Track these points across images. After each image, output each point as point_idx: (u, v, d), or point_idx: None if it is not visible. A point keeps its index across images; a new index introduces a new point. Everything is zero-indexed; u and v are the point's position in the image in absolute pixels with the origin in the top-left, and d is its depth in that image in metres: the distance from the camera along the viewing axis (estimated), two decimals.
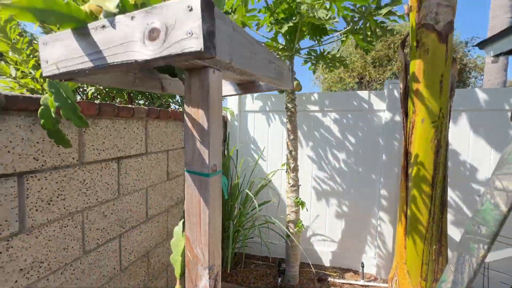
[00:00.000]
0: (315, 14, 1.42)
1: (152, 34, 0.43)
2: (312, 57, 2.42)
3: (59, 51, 0.52)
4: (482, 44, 2.64)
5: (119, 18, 0.45)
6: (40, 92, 1.73)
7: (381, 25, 1.85)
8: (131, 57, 0.45)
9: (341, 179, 2.54)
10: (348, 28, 2.06)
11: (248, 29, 2.33)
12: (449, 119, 1.61)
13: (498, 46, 2.66)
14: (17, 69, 1.76)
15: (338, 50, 2.49)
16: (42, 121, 0.84)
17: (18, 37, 1.64)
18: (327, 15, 1.44)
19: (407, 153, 1.74)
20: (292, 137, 2.21)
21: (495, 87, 3.67)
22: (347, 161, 2.51)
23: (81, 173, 1.12)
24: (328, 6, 1.95)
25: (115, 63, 0.47)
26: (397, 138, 2.30)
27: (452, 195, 2.24)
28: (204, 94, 0.63)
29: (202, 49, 0.40)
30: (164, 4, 0.42)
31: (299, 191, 2.26)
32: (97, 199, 1.20)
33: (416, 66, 1.57)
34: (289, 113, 2.21)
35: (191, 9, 0.39)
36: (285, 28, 1.56)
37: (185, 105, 0.68)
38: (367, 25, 1.90)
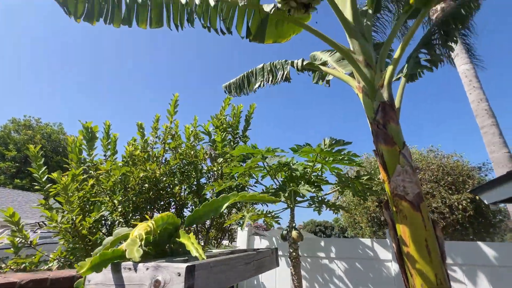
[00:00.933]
0: (299, 191, 1.80)
1: (156, 283, 0.69)
2: (316, 202, 2.70)
3: (99, 277, 0.79)
4: (476, 192, 2.80)
5: (139, 266, 0.74)
6: (77, 230, 2.16)
7: (366, 186, 2.19)
8: None
9: None
10: (341, 184, 2.42)
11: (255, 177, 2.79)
12: (450, 285, 1.58)
13: (492, 194, 2.78)
14: (63, 216, 2.31)
15: (337, 198, 2.78)
16: None
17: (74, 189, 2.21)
18: (308, 190, 1.81)
19: None
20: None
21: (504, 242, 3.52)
22: None
23: None
24: (320, 167, 2.41)
25: None
26: None
27: None
28: None
29: None
30: (167, 265, 0.70)
31: None
32: None
33: (401, 229, 1.73)
34: (293, 261, 2.26)
35: (179, 274, 0.67)
36: (283, 196, 1.93)
37: None
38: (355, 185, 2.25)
